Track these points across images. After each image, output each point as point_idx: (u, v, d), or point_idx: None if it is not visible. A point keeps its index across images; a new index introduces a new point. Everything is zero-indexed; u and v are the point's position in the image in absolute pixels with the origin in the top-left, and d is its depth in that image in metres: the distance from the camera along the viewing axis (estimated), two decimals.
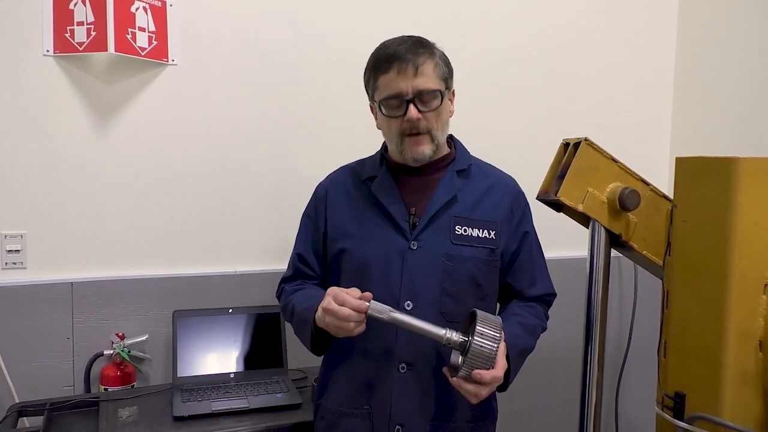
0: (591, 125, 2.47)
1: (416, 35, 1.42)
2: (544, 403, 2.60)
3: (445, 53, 1.44)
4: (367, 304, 1.27)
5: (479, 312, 1.25)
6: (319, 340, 1.40)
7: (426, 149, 1.39)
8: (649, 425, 2.86)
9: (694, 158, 1.33)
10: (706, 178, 1.30)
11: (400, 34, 1.43)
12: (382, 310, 1.26)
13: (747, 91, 2.38)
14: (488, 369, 1.22)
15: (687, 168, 1.35)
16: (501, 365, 1.25)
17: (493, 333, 1.22)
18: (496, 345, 1.21)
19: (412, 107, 1.35)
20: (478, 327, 1.21)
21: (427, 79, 1.36)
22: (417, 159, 1.40)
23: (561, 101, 2.57)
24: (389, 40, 1.42)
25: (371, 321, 1.28)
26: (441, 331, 1.25)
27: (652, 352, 2.82)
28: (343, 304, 1.27)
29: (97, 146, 1.96)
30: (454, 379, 1.24)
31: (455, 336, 1.25)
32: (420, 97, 1.35)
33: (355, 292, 1.30)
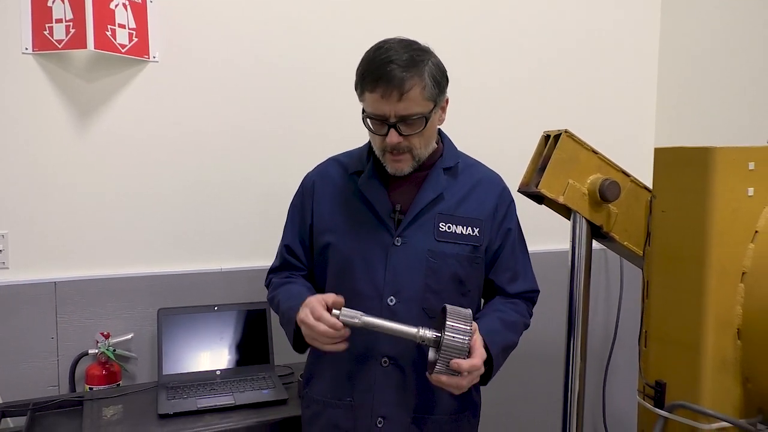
0: (575, 118, 2.48)
1: (413, 42, 1.35)
2: (527, 396, 2.61)
3: (440, 64, 1.38)
4: (338, 312, 1.27)
5: (449, 306, 1.27)
6: (303, 340, 1.40)
7: (405, 167, 1.39)
8: (635, 415, 2.90)
9: (672, 149, 1.34)
10: (683, 168, 1.31)
11: (389, 28, 1.40)
12: (353, 315, 1.27)
13: (732, 82, 2.40)
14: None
15: (665, 159, 1.36)
16: (479, 354, 1.26)
17: (463, 326, 1.23)
18: (467, 337, 1.22)
19: (393, 132, 1.33)
20: (448, 321, 1.23)
21: (413, 103, 1.31)
22: (397, 174, 1.40)
23: (545, 94, 2.58)
24: (385, 44, 1.34)
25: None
26: (413, 330, 1.27)
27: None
28: (319, 319, 1.27)
29: (79, 144, 1.94)
30: (433, 375, 1.24)
31: (428, 333, 1.26)
32: (404, 121, 1.33)
33: (330, 297, 1.30)
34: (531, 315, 1.56)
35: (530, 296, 1.56)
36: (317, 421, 1.47)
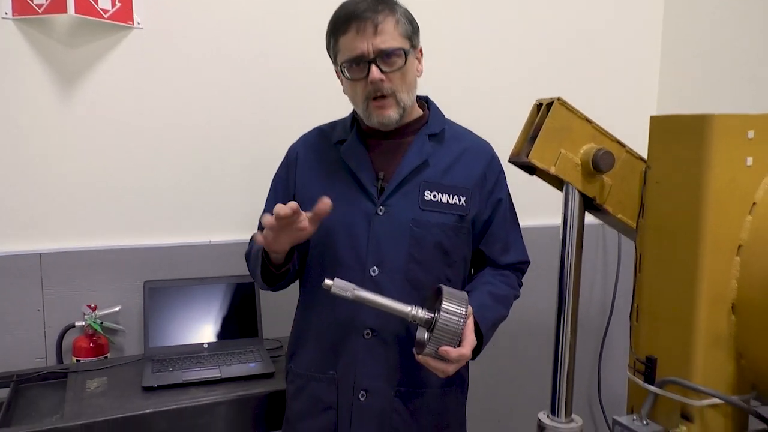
0: (571, 87, 2.40)
1: None
2: (517, 371, 2.60)
3: (409, 10, 1.38)
4: (330, 282, 1.21)
5: (445, 288, 1.23)
6: (271, 271, 1.36)
7: (392, 113, 1.34)
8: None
9: (668, 116, 1.28)
10: (679, 136, 1.25)
11: None
12: (346, 287, 1.23)
13: (740, 47, 2.31)
14: (455, 346, 1.19)
15: (661, 127, 1.30)
16: (469, 342, 1.23)
17: (459, 309, 1.19)
18: (462, 321, 1.19)
19: (374, 68, 1.30)
20: (444, 304, 1.19)
21: (389, 37, 1.30)
22: (383, 123, 1.35)
23: (539, 61, 2.50)
24: None
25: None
26: (406, 308, 1.23)
27: None
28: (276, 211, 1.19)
29: (62, 112, 1.90)
30: (420, 356, 1.21)
31: (421, 313, 1.23)
32: (382, 57, 1.30)
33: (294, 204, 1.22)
34: (521, 285, 1.53)
35: (521, 267, 1.53)
36: (300, 395, 1.45)
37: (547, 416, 1.59)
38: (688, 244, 1.24)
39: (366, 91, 1.33)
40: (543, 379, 2.63)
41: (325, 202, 1.21)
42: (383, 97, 1.33)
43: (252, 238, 1.57)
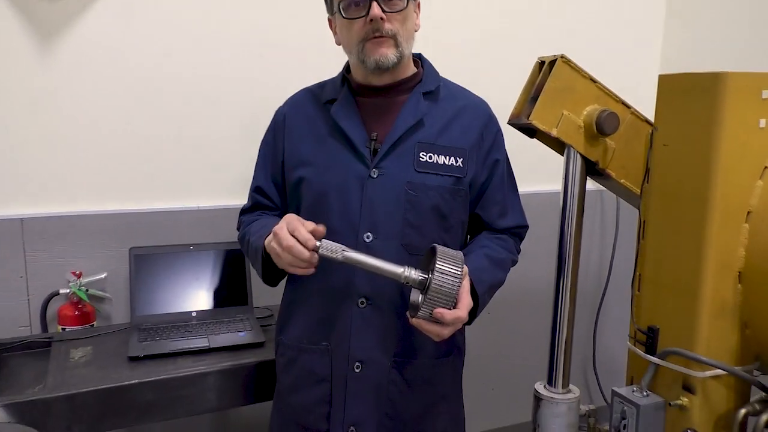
0: (573, 41, 2.31)
1: None
2: (514, 339, 2.57)
3: None
4: (318, 243, 1.17)
5: (439, 247, 1.17)
6: (272, 268, 1.32)
7: (390, 53, 1.27)
8: (626, 361, 2.87)
9: (678, 75, 1.21)
10: (689, 96, 1.19)
11: None
12: (334, 249, 1.18)
13: (748, 2, 2.22)
14: (450, 308, 1.14)
15: (669, 86, 1.24)
16: (465, 304, 1.17)
17: (454, 269, 1.14)
18: (457, 282, 1.13)
19: (374, 5, 1.23)
20: (437, 264, 1.13)
21: None
22: (380, 63, 1.27)
23: (540, 18, 2.40)
24: None
25: (326, 259, 1.19)
26: (399, 270, 1.17)
27: (628, 287, 2.80)
28: (294, 232, 1.18)
29: (42, 70, 1.81)
30: (414, 319, 1.16)
31: (414, 274, 1.17)
32: None
33: (311, 224, 1.20)
34: (519, 251, 1.48)
35: (518, 232, 1.47)
36: (292, 368, 1.40)
37: (544, 387, 1.56)
38: (696, 209, 1.18)
39: (364, 30, 1.25)
40: (539, 349, 2.61)
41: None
42: (382, 36, 1.25)
43: (242, 215, 1.51)
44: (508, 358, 2.57)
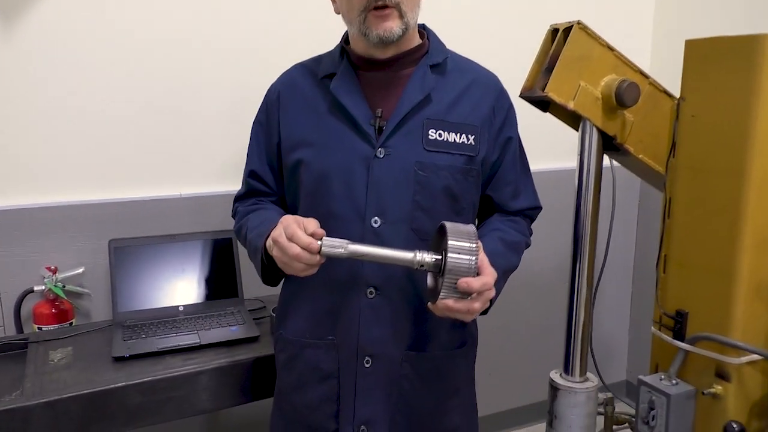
0: (562, 9, 2.23)
1: None
2: (517, 325, 2.49)
3: None
4: (319, 242, 1.08)
5: (447, 224, 1.08)
6: (272, 270, 1.23)
7: (394, 26, 1.16)
8: (621, 339, 2.82)
9: (709, 39, 1.13)
10: (721, 62, 1.10)
11: None
12: (337, 245, 1.08)
13: None
14: None
15: (698, 52, 1.15)
16: (489, 272, 1.09)
17: (468, 245, 1.05)
18: (474, 258, 1.04)
19: None
20: (450, 242, 1.04)
21: None
22: (384, 38, 1.17)
23: None
24: None
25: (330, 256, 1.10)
26: (409, 255, 1.08)
27: (627, 266, 2.74)
28: (292, 239, 1.08)
29: (6, 48, 1.67)
30: (440, 302, 1.05)
31: (427, 257, 1.08)
32: None
33: (310, 224, 1.10)
34: (531, 233, 1.39)
35: (531, 213, 1.39)
36: (294, 364, 1.30)
37: (560, 375, 1.48)
38: (730, 184, 1.10)
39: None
40: (551, 335, 2.55)
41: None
42: (385, 6, 1.14)
43: (236, 202, 1.41)
44: (518, 345, 2.50)
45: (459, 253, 1.03)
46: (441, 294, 1.04)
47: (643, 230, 2.69)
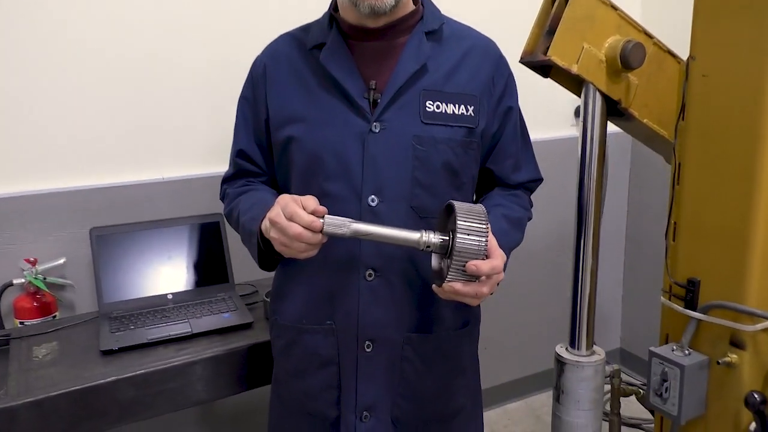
0: None
1: None
2: (521, 296, 2.47)
3: None
4: (321, 220, 1.01)
5: (456, 203, 1.02)
6: (270, 255, 1.16)
7: None
8: (615, 308, 2.81)
9: None
10: (735, 17, 1.05)
11: None
12: (340, 224, 1.02)
13: None
14: None
15: (710, 7, 1.09)
16: (499, 254, 1.04)
17: (477, 225, 0.99)
18: (483, 239, 0.99)
19: None
20: (459, 222, 0.98)
21: None
22: (376, 9, 1.10)
23: None
24: None
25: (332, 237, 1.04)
26: (415, 235, 1.02)
27: (619, 235, 2.72)
28: (292, 218, 1.01)
29: None
30: (446, 284, 1.00)
31: (433, 237, 1.02)
32: None
33: (309, 201, 1.04)
34: (532, 205, 1.34)
35: (532, 186, 1.34)
36: (292, 351, 1.24)
37: (566, 349, 1.44)
38: (745, 147, 1.06)
39: None
40: (547, 306, 2.53)
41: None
42: None
43: (224, 184, 1.34)
44: (502, 316, 2.46)
45: (468, 234, 0.97)
46: (448, 276, 0.99)
47: (635, 199, 2.66)
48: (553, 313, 2.48)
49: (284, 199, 1.05)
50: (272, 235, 1.06)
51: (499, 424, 2.52)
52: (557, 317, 2.55)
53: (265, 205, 1.11)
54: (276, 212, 1.04)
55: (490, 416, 2.50)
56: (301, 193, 1.17)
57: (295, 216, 1.01)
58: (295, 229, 1.01)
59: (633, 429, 2.38)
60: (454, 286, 1.00)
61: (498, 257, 1.02)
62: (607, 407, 1.69)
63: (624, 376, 1.95)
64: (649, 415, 2.18)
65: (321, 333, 1.21)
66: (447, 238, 1.02)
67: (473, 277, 1.00)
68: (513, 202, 1.27)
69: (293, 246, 1.04)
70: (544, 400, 2.61)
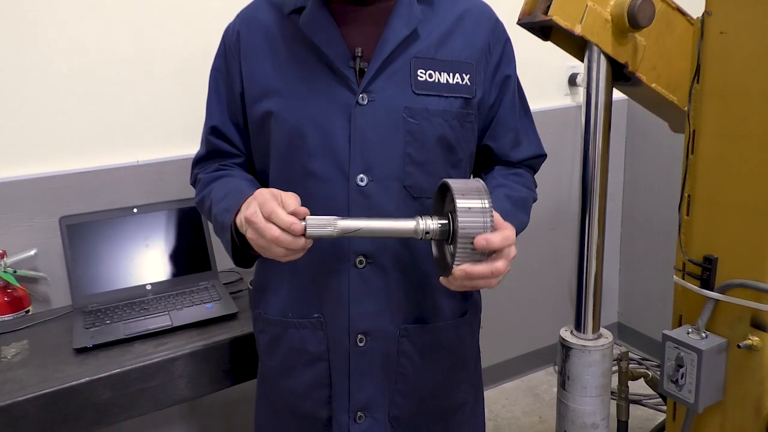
0: None
1: None
2: (525, 276, 2.38)
3: None
4: (303, 223, 0.91)
5: (451, 181, 0.92)
6: (246, 251, 1.05)
7: None
8: (612, 282, 2.74)
9: None
10: None
11: None
12: (325, 223, 0.91)
13: None
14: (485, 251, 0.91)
15: None
16: (508, 225, 0.94)
17: (478, 203, 0.89)
18: (487, 216, 0.89)
19: None
20: (457, 201, 0.89)
21: None
22: None
23: None
24: None
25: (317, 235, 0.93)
26: (411, 224, 0.92)
27: (615, 208, 2.63)
28: (270, 217, 0.90)
29: None
30: (456, 270, 0.90)
31: (432, 223, 0.92)
32: None
33: (290, 200, 0.93)
34: (536, 185, 1.23)
35: (535, 163, 1.23)
36: (277, 347, 1.15)
37: (571, 333, 1.36)
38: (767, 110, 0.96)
39: None
40: (547, 286, 2.45)
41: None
42: None
43: (195, 167, 1.23)
44: (500, 296, 2.39)
45: (469, 215, 0.87)
46: (456, 260, 0.89)
47: (630, 171, 2.59)
48: (549, 290, 2.41)
49: (263, 195, 0.94)
50: (249, 235, 0.95)
51: (498, 404, 2.46)
52: (554, 294, 2.49)
53: (240, 194, 1.00)
54: (253, 210, 0.93)
55: (488, 396, 2.43)
56: (282, 174, 1.07)
57: (273, 215, 0.90)
58: (273, 231, 0.90)
59: (634, 405, 2.33)
60: (466, 269, 0.90)
61: (507, 227, 0.92)
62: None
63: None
64: (650, 391, 2.12)
65: (308, 327, 1.11)
66: (446, 221, 0.92)
67: (483, 256, 0.90)
68: (516, 182, 1.17)
69: (271, 249, 0.93)
70: (542, 377, 2.56)
